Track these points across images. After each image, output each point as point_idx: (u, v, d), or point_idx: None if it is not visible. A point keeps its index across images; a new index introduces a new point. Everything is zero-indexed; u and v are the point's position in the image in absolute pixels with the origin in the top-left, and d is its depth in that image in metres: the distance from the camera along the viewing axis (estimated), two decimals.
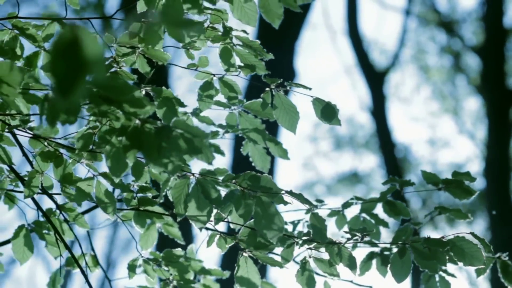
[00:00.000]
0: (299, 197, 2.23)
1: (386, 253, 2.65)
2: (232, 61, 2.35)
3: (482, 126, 12.98)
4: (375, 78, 11.34)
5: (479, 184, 12.83)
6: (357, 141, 13.80)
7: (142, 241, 2.61)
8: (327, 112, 2.34)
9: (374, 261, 2.66)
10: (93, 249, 2.67)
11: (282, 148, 2.55)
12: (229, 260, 6.23)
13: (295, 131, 2.36)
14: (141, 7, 2.26)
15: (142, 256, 2.59)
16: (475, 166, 13.27)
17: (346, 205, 2.71)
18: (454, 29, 12.44)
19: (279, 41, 7.18)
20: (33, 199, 2.36)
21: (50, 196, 2.41)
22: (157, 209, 2.45)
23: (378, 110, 11.15)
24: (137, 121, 1.84)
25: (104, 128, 2.04)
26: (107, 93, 1.68)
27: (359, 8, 11.34)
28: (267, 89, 2.36)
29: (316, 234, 2.26)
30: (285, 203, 2.25)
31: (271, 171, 5.30)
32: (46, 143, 2.26)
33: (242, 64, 2.36)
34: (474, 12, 12.47)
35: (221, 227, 2.47)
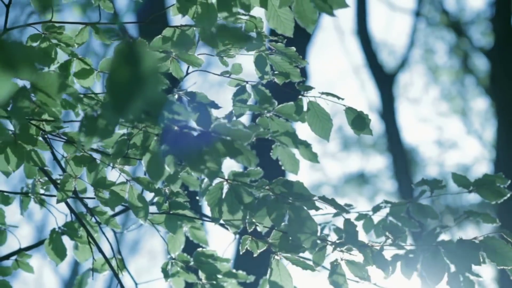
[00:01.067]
0: (332, 202, 2.25)
1: (411, 255, 2.67)
2: (266, 69, 2.37)
3: (490, 127, 12.99)
4: (384, 79, 11.35)
5: None
6: (365, 142, 13.81)
7: (170, 245, 2.63)
8: (359, 122, 2.36)
9: (398, 264, 2.68)
10: (120, 253, 2.68)
11: (311, 151, 2.57)
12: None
13: (328, 138, 2.38)
14: (174, 13, 2.28)
15: (173, 259, 2.60)
16: (483, 168, 13.27)
17: (376, 208, 2.73)
18: (462, 30, 12.44)
19: (292, 45, 7.19)
20: (66, 203, 2.38)
21: (81, 200, 2.43)
22: (187, 213, 2.47)
23: (387, 111, 11.15)
24: (176, 127, 1.86)
25: (140, 134, 2.06)
26: (150, 108, 1.69)
27: (368, 8, 11.34)
28: (300, 96, 2.38)
29: (349, 239, 2.29)
30: (317, 208, 2.27)
31: (283, 173, 5.30)
32: (79, 148, 2.28)
33: (276, 72, 2.38)
34: (482, 13, 12.48)
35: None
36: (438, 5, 12.58)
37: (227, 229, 2.73)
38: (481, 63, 12.68)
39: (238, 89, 2.43)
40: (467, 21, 12.59)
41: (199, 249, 2.60)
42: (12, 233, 2.65)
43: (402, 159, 11.35)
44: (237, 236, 2.53)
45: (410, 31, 13.25)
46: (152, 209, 2.47)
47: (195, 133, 1.87)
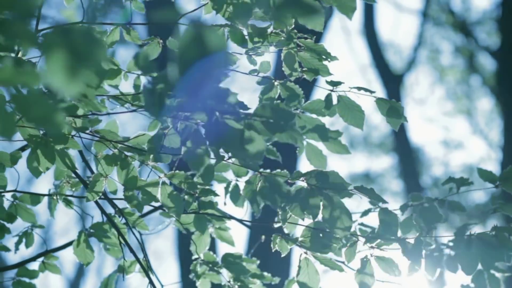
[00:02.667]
0: (369, 192, 2.23)
1: (435, 253, 2.66)
2: (295, 66, 2.36)
3: (496, 127, 12.97)
4: (391, 79, 11.34)
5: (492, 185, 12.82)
6: (371, 141, 13.79)
7: (197, 245, 2.61)
8: (393, 112, 2.35)
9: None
10: (145, 254, 2.67)
11: (340, 144, 2.55)
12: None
13: (362, 127, 2.37)
14: (207, 11, 2.27)
15: (201, 260, 2.59)
16: (489, 168, 13.24)
17: (404, 207, 2.71)
18: (469, 30, 12.42)
19: None
20: (97, 203, 2.37)
21: (111, 201, 2.42)
22: (215, 213, 2.46)
23: None
24: (217, 113, 1.85)
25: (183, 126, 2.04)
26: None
27: (375, 9, 11.34)
28: (329, 91, 2.38)
29: (386, 229, 2.27)
30: (350, 195, 2.24)
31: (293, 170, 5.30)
32: (111, 146, 2.27)
33: (305, 68, 2.37)
34: (489, 13, 12.47)
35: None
36: (444, 5, 12.57)
37: (248, 226, 2.72)
38: (487, 63, 12.67)
39: (266, 87, 2.42)
40: (473, 21, 12.58)
41: (227, 252, 2.59)
42: (38, 235, 2.64)
43: (408, 159, 11.33)
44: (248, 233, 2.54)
45: (416, 31, 13.24)
46: None
47: (234, 118, 1.85)
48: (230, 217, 2.51)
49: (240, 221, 2.54)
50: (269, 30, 2.32)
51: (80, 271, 14.38)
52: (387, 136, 13.43)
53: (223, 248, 7.22)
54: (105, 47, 1.22)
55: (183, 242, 6.79)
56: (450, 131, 15.77)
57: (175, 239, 7.08)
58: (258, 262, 2.66)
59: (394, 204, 2.69)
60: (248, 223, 2.67)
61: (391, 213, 2.27)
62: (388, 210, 2.27)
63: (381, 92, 11.95)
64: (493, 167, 12.98)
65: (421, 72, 15.27)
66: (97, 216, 2.56)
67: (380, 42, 11.44)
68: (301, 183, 2.23)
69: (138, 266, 2.71)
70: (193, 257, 2.61)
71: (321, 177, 2.22)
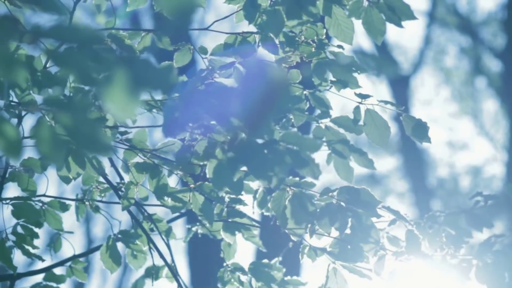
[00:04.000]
0: (395, 213, 2.27)
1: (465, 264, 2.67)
2: (325, 76, 2.37)
3: (501, 128, 12.98)
4: (397, 80, 11.35)
5: (498, 187, 12.84)
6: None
7: (225, 253, 2.63)
8: (419, 129, 2.36)
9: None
10: (173, 260, 2.68)
11: (367, 158, 2.57)
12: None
13: (385, 146, 2.39)
14: (238, 19, 2.28)
15: (229, 267, 2.60)
16: (494, 169, 13.27)
17: (431, 218, 2.72)
18: (474, 31, 12.44)
19: None
20: (128, 210, 2.38)
21: (142, 207, 2.43)
22: (245, 221, 2.47)
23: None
24: (243, 134, 1.87)
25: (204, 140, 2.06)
26: None
27: None
28: (357, 104, 2.38)
29: (410, 248, 2.30)
30: (378, 216, 2.28)
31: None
32: (141, 155, 2.28)
33: (334, 79, 2.38)
34: (494, 14, 12.48)
35: None
36: (450, 7, 12.58)
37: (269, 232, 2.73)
38: (492, 64, 12.68)
39: (296, 97, 2.43)
40: (479, 23, 12.59)
41: (255, 260, 2.60)
42: (66, 240, 2.65)
43: (414, 159, 11.35)
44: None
45: (422, 33, 13.26)
46: None
47: (261, 141, 1.88)
48: (259, 226, 2.52)
49: (268, 229, 2.55)
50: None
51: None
52: (392, 137, 13.45)
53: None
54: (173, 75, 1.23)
55: (194, 248, 6.76)
56: (455, 132, 15.78)
57: (185, 247, 7.06)
58: (284, 270, 2.67)
59: (399, 205, 2.71)
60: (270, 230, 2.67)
61: (414, 234, 2.30)
62: (412, 232, 2.31)
63: (387, 94, 11.97)
64: (499, 168, 13.00)
65: (426, 73, 15.27)
66: (123, 222, 2.58)
67: (387, 43, 11.45)
68: (330, 199, 2.25)
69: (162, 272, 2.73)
70: (224, 264, 2.62)
71: (352, 194, 2.25)
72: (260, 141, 1.88)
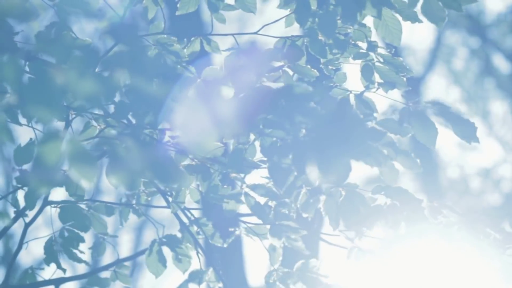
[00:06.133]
0: (452, 209, 2.26)
1: None
2: (373, 78, 2.36)
3: (511, 130, 12.97)
4: (407, 81, 11.33)
5: (507, 188, 12.83)
6: None
7: (271, 256, 2.62)
8: (466, 130, 2.36)
9: None
10: (218, 263, 2.67)
11: (412, 159, 2.56)
12: None
13: (434, 146, 2.38)
14: (289, 23, 2.28)
15: (276, 270, 2.59)
16: (504, 170, 13.26)
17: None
18: (484, 32, 12.43)
19: None
20: (175, 213, 2.38)
21: (188, 211, 2.43)
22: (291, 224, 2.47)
23: None
24: (303, 131, 1.87)
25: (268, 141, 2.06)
26: None
27: None
28: (404, 105, 2.38)
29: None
30: (424, 218, 2.29)
31: None
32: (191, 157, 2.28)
33: (381, 81, 2.38)
34: (504, 16, 12.47)
35: None
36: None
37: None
38: (502, 66, 12.67)
39: (343, 99, 2.42)
40: (488, 24, 12.58)
41: (301, 263, 2.59)
42: (110, 244, 2.65)
43: (424, 160, 11.34)
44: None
45: (432, 34, 13.25)
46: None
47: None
48: (305, 229, 2.51)
49: (315, 234, 2.54)
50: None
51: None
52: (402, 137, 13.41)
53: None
54: None
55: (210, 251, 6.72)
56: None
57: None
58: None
59: None
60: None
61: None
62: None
63: (397, 95, 11.94)
64: (509, 169, 12.99)
65: (436, 74, 15.27)
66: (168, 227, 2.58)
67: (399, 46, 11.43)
68: (383, 199, 2.26)
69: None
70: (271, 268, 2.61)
71: (400, 193, 2.27)
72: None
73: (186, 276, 2.65)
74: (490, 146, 17.34)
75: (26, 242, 2.44)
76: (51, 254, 2.40)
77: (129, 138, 1.48)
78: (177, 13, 2.29)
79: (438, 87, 14.75)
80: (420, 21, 2.23)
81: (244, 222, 2.57)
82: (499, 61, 12.74)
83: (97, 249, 2.62)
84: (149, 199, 2.49)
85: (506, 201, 12.68)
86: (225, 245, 2.58)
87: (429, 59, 12.45)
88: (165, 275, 2.65)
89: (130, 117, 2.06)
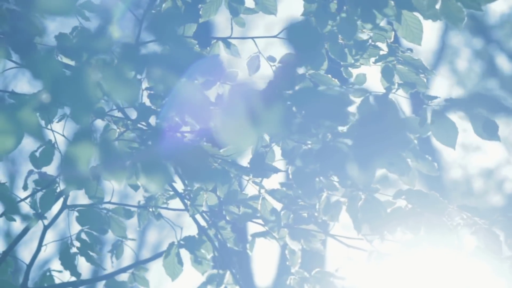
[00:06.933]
0: (473, 211, 2.25)
1: None
2: (393, 79, 2.36)
3: None
4: None
5: (510, 190, 12.80)
6: None
7: (290, 260, 2.61)
8: (488, 128, 2.35)
9: None
10: (236, 267, 2.66)
11: (430, 163, 2.55)
12: None
13: (454, 146, 2.37)
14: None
15: (292, 274, 2.58)
16: (507, 171, 13.25)
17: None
18: (488, 33, 12.43)
19: None
20: (193, 217, 2.37)
21: (206, 215, 2.42)
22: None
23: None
24: (329, 135, 1.87)
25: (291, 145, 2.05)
26: None
27: None
28: (424, 106, 2.37)
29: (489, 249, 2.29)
30: (448, 220, 2.28)
31: None
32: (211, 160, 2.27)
33: (401, 82, 2.37)
34: (507, 16, 12.47)
35: None
36: None
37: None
38: (505, 66, 12.67)
39: (363, 100, 2.41)
40: (492, 25, 12.58)
41: (319, 269, 2.58)
42: (129, 247, 2.63)
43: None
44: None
45: (436, 35, 13.25)
46: None
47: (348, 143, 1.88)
48: (326, 233, 2.50)
49: (334, 237, 2.53)
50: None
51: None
52: None
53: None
54: None
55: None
56: (468, 134, 15.76)
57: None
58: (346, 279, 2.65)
59: None
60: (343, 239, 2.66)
61: (495, 234, 2.29)
62: (492, 231, 2.30)
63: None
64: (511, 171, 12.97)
65: (440, 75, 15.26)
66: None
67: (401, 46, 11.43)
68: (402, 202, 2.25)
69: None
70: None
71: (420, 197, 2.26)
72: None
73: (204, 278, 2.64)
74: (493, 147, 17.35)
75: (45, 244, 2.43)
76: (66, 260, 2.38)
77: (163, 139, 1.47)
78: (201, 20, 2.27)
79: (442, 88, 14.75)
80: (441, 19, 2.22)
81: (261, 225, 2.56)
82: (502, 62, 12.73)
83: (116, 252, 2.61)
84: (168, 202, 2.49)
85: (508, 202, 12.66)
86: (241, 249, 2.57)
87: (434, 60, 12.44)
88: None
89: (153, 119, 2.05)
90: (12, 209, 1.48)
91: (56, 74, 1.30)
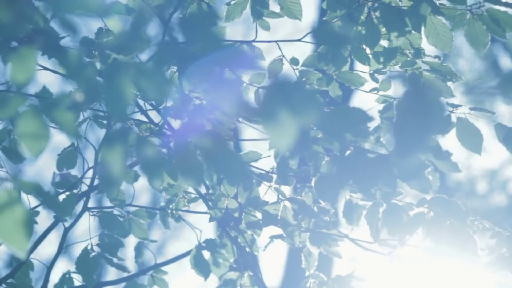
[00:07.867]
0: (491, 218, 2.26)
1: None
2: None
3: None
4: None
5: None
6: None
7: (306, 262, 2.61)
8: (511, 138, 2.35)
9: None
10: (259, 270, 2.65)
11: (451, 162, 2.55)
12: None
13: (480, 152, 2.37)
14: None
15: (310, 278, 2.58)
16: (510, 172, 13.25)
17: None
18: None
19: None
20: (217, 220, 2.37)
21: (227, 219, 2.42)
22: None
23: None
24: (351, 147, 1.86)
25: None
26: None
27: None
28: (448, 112, 2.37)
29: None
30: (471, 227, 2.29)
31: None
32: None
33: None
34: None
35: None
36: None
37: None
38: (508, 65, 12.66)
39: (386, 106, 2.42)
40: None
41: (338, 274, 2.59)
42: (148, 249, 2.63)
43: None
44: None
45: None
46: None
47: (371, 155, 1.87)
48: (346, 237, 2.50)
49: (354, 241, 2.53)
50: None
51: None
52: None
53: None
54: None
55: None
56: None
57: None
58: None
59: None
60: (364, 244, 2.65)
61: None
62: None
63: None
64: None
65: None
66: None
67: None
68: (423, 209, 2.25)
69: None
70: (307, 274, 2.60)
71: (443, 204, 2.26)
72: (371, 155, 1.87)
73: (220, 281, 2.64)
74: (496, 148, 17.36)
75: (66, 246, 2.42)
76: (83, 267, 2.36)
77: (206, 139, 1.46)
78: (224, 22, 2.27)
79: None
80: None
81: (280, 227, 2.56)
82: (505, 61, 12.73)
83: (138, 254, 2.61)
84: (189, 205, 2.48)
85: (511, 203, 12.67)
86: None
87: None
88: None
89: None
90: (54, 206, 1.45)
91: (88, 72, 1.30)
